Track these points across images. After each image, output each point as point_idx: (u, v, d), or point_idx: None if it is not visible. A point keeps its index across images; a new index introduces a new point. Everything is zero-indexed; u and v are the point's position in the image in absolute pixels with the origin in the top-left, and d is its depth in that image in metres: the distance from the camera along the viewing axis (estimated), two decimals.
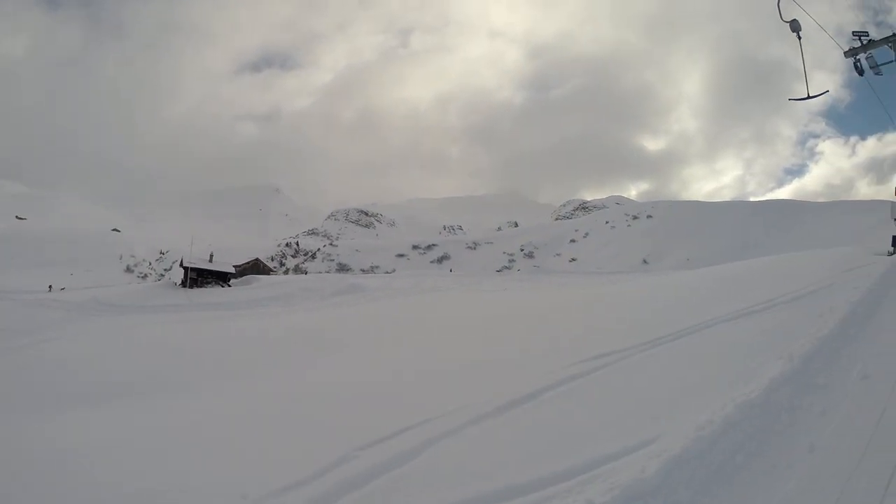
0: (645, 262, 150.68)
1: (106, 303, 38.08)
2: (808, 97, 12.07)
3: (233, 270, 46.89)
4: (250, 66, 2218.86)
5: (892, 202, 20.56)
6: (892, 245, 19.67)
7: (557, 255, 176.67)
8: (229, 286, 44.30)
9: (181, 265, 45.59)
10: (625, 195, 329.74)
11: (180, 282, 44.81)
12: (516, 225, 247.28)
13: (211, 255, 46.67)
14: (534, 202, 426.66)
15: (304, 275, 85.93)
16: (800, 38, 11.57)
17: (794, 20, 11.16)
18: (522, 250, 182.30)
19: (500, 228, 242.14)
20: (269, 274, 63.74)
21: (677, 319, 11.34)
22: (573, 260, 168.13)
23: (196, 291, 41.90)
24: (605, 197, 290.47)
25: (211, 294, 40.65)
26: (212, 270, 44.70)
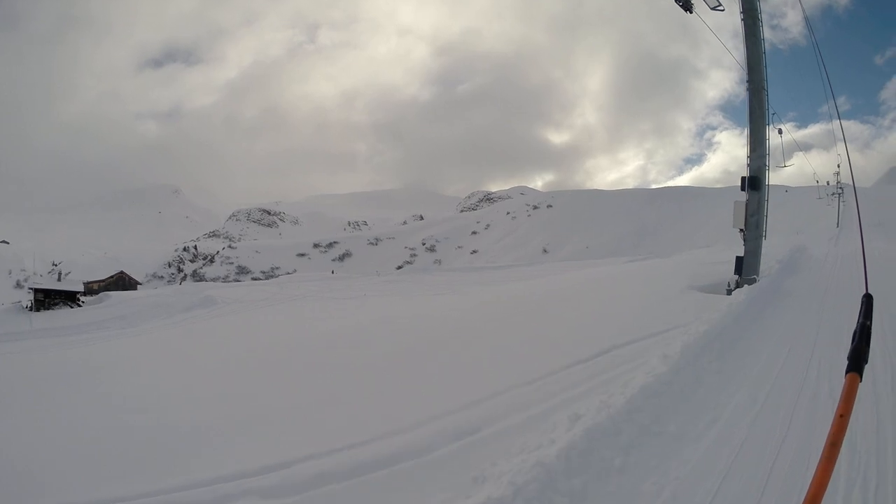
0: (545, 251, 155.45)
1: None
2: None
3: (81, 289, 45.65)
4: (152, 61, 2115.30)
5: (737, 202, 14.74)
6: (736, 271, 13.84)
7: (459, 247, 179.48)
8: (80, 306, 43.22)
9: (29, 288, 44.09)
10: (530, 186, 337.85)
11: (28, 305, 43.33)
12: (422, 218, 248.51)
13: (59, 274, 45.33)
14: (440, 195, 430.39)
15: (180, 283, 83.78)
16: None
17: None
18: (424, 244, 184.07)
19: (405, 222, 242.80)
20: (134, 288, 62.15)
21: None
22: (474, 252, 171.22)
23: (42, 315, 40.65)
24: (509, 188, 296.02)
25: (55, 317, 39.51)
26: (59, 290, 43.46)
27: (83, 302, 44.36)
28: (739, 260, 13.87)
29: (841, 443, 1.60)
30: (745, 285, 12.43)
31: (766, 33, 14.69)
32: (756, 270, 13.74)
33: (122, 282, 64.75)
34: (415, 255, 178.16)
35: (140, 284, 70.50)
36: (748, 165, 14.18)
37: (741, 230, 14.21)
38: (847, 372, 1.79)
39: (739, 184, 14.36)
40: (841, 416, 1.65)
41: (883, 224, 53.31)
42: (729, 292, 12.26)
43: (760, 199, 14.17)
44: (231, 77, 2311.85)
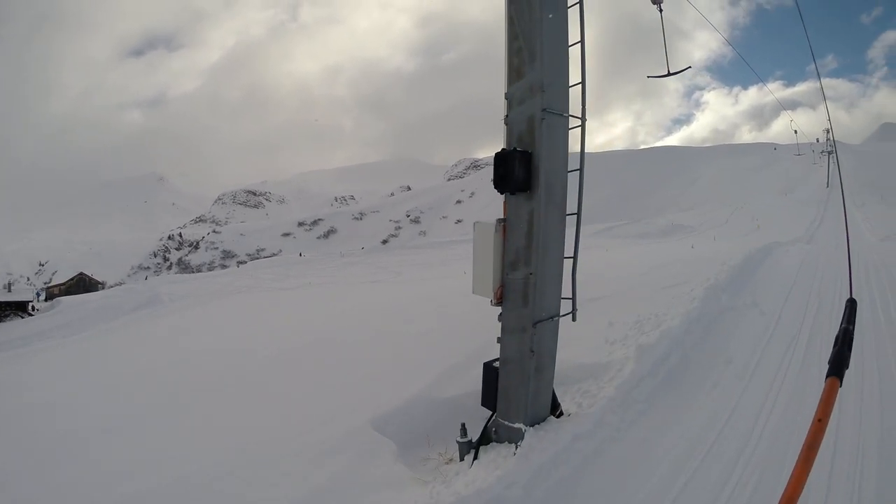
0: None
1: None
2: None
3: (31, 298, 45.58)
4: (134, 51, 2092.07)
5: (478, 225, 5.06)
6: (485, 401, 5.19)
7: (444, 217, 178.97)
8: (31, 314, 43.16)
9: None
10: None
11: None
12: (409, 189, 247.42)
13: (9, 285, 45.28)
14: (428, 164, 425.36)
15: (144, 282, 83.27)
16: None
17: None
18: (409, 216, 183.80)
19: (392, 194, 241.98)
20: (96, 288, 61.91)
21: None
22: (459, 221, 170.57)
23: None
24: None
25: (2, 330, 39.58)
26: (9, 302, 43.38)
27: (36, 310, 44.29)
28: (491, 375, 5.14)
29: (818, 447, 1.59)
30: (496, 442, 4.91)
31: None
32: (526, 413, 4.78)
33: (83, 283, 64.33)
34: (399, 227, 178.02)
35: (101, 284, 69.95)
36: (506, 116, 5.07)
37: (494, 303, 5.02)
38: (827, 377, 1.78)
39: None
40: (819, 420, 1.64)
41: (875, 183, 53.64)
42: (462, 452, 4.90)
43: (534, 213, 4.78)
44: (214, 60, 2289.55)
